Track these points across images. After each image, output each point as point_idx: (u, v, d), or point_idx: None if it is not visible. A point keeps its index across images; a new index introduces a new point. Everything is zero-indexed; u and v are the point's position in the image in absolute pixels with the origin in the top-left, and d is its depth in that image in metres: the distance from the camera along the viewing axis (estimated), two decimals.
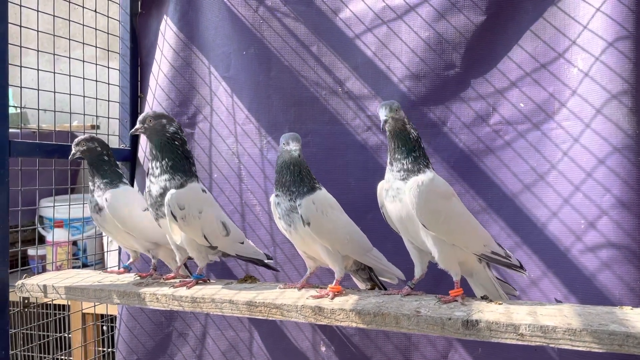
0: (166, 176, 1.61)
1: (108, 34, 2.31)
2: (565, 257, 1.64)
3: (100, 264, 2.93)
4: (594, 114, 1.63)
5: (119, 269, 1.99)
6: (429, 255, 1.51)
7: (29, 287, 1.83)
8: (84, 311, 2.52)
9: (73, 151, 1.80)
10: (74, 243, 3.01)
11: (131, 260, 1.97)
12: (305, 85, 2.03)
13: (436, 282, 1.66)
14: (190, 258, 1.80)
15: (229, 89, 2.15)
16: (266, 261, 1.79)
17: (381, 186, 1.52)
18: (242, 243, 1.77)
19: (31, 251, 2.92)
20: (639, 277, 1.53)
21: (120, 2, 2.34)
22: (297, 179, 1.49)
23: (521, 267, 1.54)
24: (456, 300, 1.40)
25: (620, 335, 1.16)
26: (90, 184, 1.84)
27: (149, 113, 1.64)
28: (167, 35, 2.25)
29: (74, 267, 2.78)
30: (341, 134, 1.99)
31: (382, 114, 1.43)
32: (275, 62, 2.06)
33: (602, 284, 1.56)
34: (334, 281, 1.53)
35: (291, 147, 1.47)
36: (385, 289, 1.61)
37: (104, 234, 1.94)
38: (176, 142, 1.65)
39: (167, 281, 1.75)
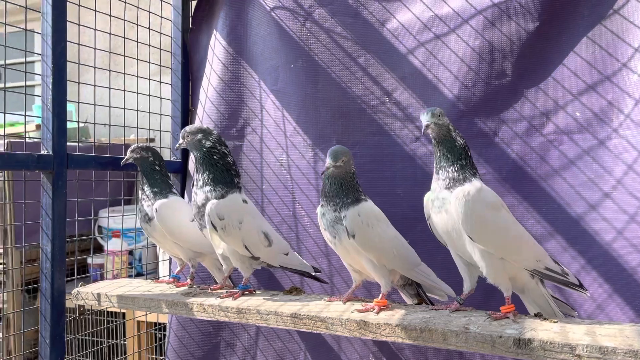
0: (208, 188, 1.63)
1: (161, 50, 2.38)
2: (630, 276, 1.55)
3: (153, 273, 3.01)
4: None
5: (169, 278, 2.03)
6: (478, 270, 1.45)
7: (84, 295, 1.89)
8: (138, 319, 2.59)
9: (127, 157, 1.85)
10: (130, 252, 3.11)
11: (179, 269, 2.01)
12: (352, 97, 2.03)
13: (487, 297, 1.60)
14: (236, 269, 1.82)
15: (277, 102, 2.17)
16: (314, 273, 1.78)
17: (427, 197, 1.48)
18: (287, 254, 1.76)
19: (90, 260, 3.04)
20: None
21: (172, 19, 2.42)
22: (339, 190, 1.48)
23: (581, 285, 1.43)
24: (507, 317, 1.35)
25: None
26: (140, 192, 1.88)
27: (187, 129, 1.67)
28: (216, 49, 2.30)
29: (129, 276, 2.87)
30: (389, 144, 1.96)
31: (424, 119, 1.41)
32: (323, 74, 2.06)
33: None
34: (380, 295, 1.50)
35: (326, 162, 1.47)
36: (433, 305, 1.57)
37: (153, 242, 1.99)
38: (214, 157, 1.66)
39: (214, 292, 1.77)
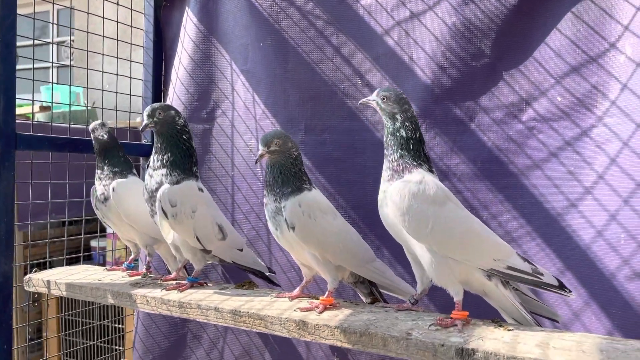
0: (164, 171, 1.53)
1: (131, 27, 2.27)
2: (609, 284, 1.39)
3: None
4: None
5: (124, 266, 1.93)
6: None
7: (35, 282, 1.81)
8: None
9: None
10: None
11: (132, 256, 1.92)
12: (323, 79, 1.89)
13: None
14: None
15: (247, 83, 2.04)
16: (267, 274, 1.67)
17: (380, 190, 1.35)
18: (241, 250, 1.65)
19: (94, 243, 2.99)
20: None
21: None
22: (278, 178, 1.35)
23: (561, 287, 1.27)
24: (455, 325, 1.20)
25: None
26: (97, 171, 1.79)
27: (156, 105, 1.56)
28: (187, 27, 2.19)
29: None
30: (360, 130, 1.83)
31: (373, 94, 1.31)
32: (293, 53, 1.93)
33: None
34: (326, 293, 1.37)
35: (259, 150, 1.37)
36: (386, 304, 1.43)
37: (105, 225, 1.90)
38: (184, 137, 1.57)
39: (164, 282, 1.67)
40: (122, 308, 2.65)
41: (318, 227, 1.32)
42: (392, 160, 1.25)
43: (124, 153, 1.82)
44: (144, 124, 1.59)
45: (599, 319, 1.41)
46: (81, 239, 2.14)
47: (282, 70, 1.94)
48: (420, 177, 1.23)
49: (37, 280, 1.80)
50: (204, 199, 1.59)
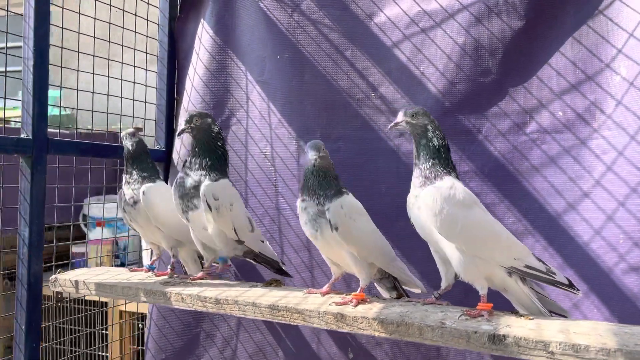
0: (203, 172, 1.65)
1: (147, 37, 2.35)
2: (606, 276, 1.56)
3: (137, 263, 2.98)
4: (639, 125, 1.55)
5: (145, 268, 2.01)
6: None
7: (62, 282, 1.87)
8: (119, 308, 2.57)
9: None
10: (116, 242, 3.08)
11: (154, 257, 2.00)
12: (337, 90, 2.02)
13: (466, 293, 1.61)
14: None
15: (262, 93, 2.15)
16: (282, 266, 1.80)
17: (409, 194, 1.49)
18: (263, 242, 1.79)
19: (75, 248, 3.01)
20: None
21: (160, 7, 2.39)
22: (322, 182, 1.48)
23: (571, 285, 1.41)
24: (482, 315, 1.35)
25: None
26: (126, 176, 1.87)
27: (194, 112, 1.68)
28: (203, 38, 2.29)
29: (115, 266, 2.85)
30: (373, 139, 1.96)
31: (398, 116, 1.44)
32: (309, 66, 2.05)
33: None
34: (359, 289, 1.50)
35: (309, 156, 1.48)
36: (410, 298, 1.57)
37: (134, 229, 1.98)
38: (219, 143, 1.70)
39: (193, 282, 1.76)
40: (106, 316, 2.68)
41: (357, 228, 1.45)
42: (423, 168, 1.39)
43: (151, 159, 1.91)
44: (181, 129, 1.69)
45: (599, 310, 1.58)
46: (68, 245, 2.14)
47: (299, 82, 2.06)
48: (450, 183, 1.37)
49: (64, 281, 1.86)
50: (237, 194, 1.75)
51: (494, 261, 1.38)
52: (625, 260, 1.53)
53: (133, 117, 2.32)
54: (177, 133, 1.72)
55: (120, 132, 1.95)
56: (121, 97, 2.24)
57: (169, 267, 1.90)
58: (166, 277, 1.85)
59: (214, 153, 1.67)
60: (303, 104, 2.06)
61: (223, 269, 1.78)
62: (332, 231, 1.45)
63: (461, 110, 1.85)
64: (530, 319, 1.34)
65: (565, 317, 1.46)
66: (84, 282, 1.82)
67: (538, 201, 1.73)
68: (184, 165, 1.70)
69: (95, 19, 2.09)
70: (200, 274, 1.81)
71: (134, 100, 2.31)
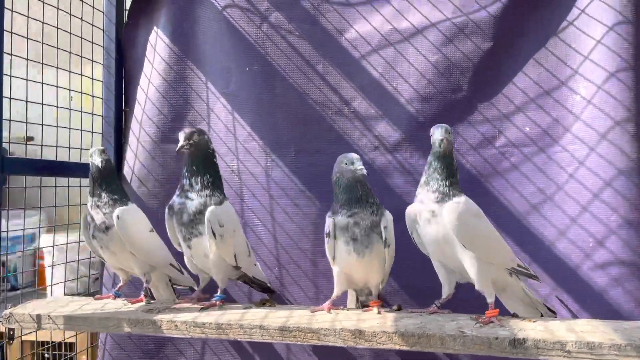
0: (207, 192, 1.58)
1: (93, 43, 2.18)
2: (575, 275, 1.72)
3: (30, 287, 2.67)
4: (598, 139, 1.73)
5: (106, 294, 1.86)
6: (457, 276, 1.54)
7: (18, 317, 1.66)
8: (23, 337, 2.28)
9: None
10: (3, 264, 2.76)
11: (121, 284, 1.86)
12: (310, 104, 2.02)
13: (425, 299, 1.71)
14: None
15: (228, 105, 2.09)
16: (268, 285, 1.80)
17: (411, 210, 1.54)
18: (256, 265, 1.74)
19: None
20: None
21: (104, 11, 2.22)
22: (369, 191, 1.54)
23: (533, 276, 1.60)
24: (492, 322, 1.43)
25: None
26: (93, 199, 1.72)
27: (194, 129, 1.62)
28: (158, 47, 2.17)
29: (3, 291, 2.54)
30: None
31: (439, 133, 1.48)
32: (280, 79, 2.03)
33: (613, 300, 1.66)
34: (374, 296, 1.61)
35: (357, 166, 1.51)
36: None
37: (100, 256, 1.82)
38: (214, 160, 1.64)
39: (181, 307, 1.66)
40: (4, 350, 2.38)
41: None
42: (442, 185, 1.47)
43: (119, 180, 1.78)
44: (180, 145, 1.60)
45: (570, 305, 1.74)
46: None
47: (270, 95, 2.03)
48: (464, 199, 1.48)
49: (22, 316, 1.66)
50: (238, 218, 1.68)
51: (501, 265, 1.49)
52: (591, 259, 1.71)
53: (82, 129, 2.13)
54: (176, 150, 1.62)
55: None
56: (56, 107, 2.04)
57: (142, 293, 1.78)
58: (142, 303, 1.73)
59: (213, 170, 1.61)
60: (275, 117, 2.03)
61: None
62: (385, 247, 1.52)
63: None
64: (534, 322, 1.44)
65: (554, 312, 1.60)
66: (48, 316, 1.64)
67: (509, 210, 1.86)
68: (182, 189, 1.61)
69: (29, 17, 1.89)
70: (195, 295, 1.72)
71: (82, 112, 2.12)
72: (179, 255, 1.77)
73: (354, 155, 1.55)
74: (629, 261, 1.66)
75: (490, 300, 1.47)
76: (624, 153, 1.69)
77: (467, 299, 1.55)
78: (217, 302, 1.65)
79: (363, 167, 1.52)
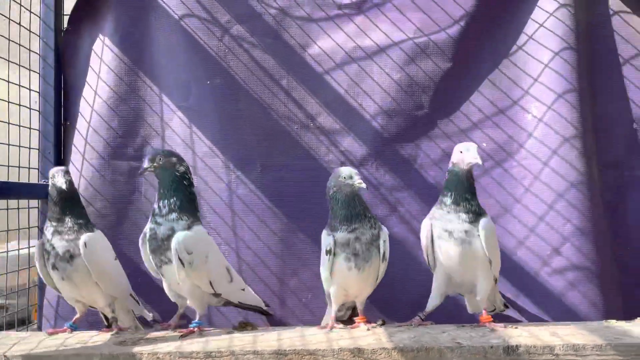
0: (174, 215, 1.50)
1: (30, 51, 1.98)
2: (535, 280, 1.85)
3: None
4: (550, 154, 1.88)
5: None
6: (452, 289, 1.65)
7: None
8: None
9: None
10: None
11: (78, 316, 1.71)
12: (276, 119, 1.99)
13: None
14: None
15: (187, 120, 2.00)
16: (265, 308, 1.72)
17: (431, 226, 1.59)
18: (244, 290, 1.67)
19: None
20: (599, 294, 1.79)
21: (41, 16, 2.04)
22: (366, 205, 1.56)
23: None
24: (484, 325, 1.53)
25: (637, 346, 1.36)
26: (53, 223, 1.55)
27: (159, 150, 1.52)
28: (105, 56, 2.03)
29: None
30: (315, 169, 1.98)
31: (474, 152, 1.54)
32: (244, 94, 1.99)
33: (570, 303, 1.80)
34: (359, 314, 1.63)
35: (355, 180, 1.51)
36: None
37: (55, 289, 1.65)
38: (184, 182, 1.55)
39: (155, 336, 1.55)
40: None
41: None
42: (474, 205, 1.56)
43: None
44: (143, 167, 1.51)
45: (530, 309, 1.86)
46: None
47: (234, 109, 1.98)
48: (489, 217, 1.61)
49: None
50: (213, 243, 1.58)
51: (497, 274, 1.63)
52: (549, 265, 1.85)
53: (8, 144, 1.92)
54: (139, 172, 1.52)
55: None
56: None
57: (114, 325, 1.64)
58: (110, 335, 1.60)
59: (181, 192, 1.53)
60: (239, 132, 1.98)
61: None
62: (382, 262, 1.55)
63: (399, 141, 1.99)
64: (516, 328, 1.53)
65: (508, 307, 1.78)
66: (4, 356, 1.45)
67: None
68: (153, 214, 1.52)
69: None
70: (172, 322, 1.62)
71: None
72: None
73: (352, 169, 1.56)
74: (582, 266, 1.81)
75: (486, 306, 1.57)
76: (574, 167, 1.85)
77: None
78: (195, 329, 1.56)
79: (361, 180, 1.53)
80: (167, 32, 2.00)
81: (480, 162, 1.53)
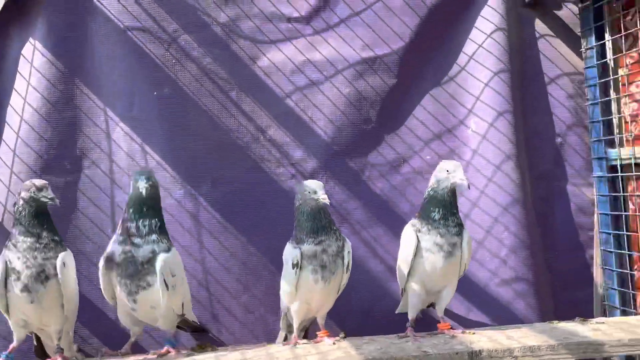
0: (154, 237, 1.43)
1: None
2: (484, 292, 1.96)
3: None
4: (493, 169, 2.00)
5: None
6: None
7: None
8: None
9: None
10: None
11: (15, 344, 1.56)
12: (226, 131, 1.95)
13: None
14: None
15: (132, 132, 1.90)
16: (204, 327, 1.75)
17: (426, 240, 1.62)
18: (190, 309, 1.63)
19: None
20: (536, 299, 1.93)
21: None
22: (331, 219, 1.56)
23: None
24: (443, 333, 1.62)
25: (584, 344, 1.49)
26: (25, 238, 1.41)
27: (150, 169, 1.54)
28: (36, 62, 1.89)
29: None
30: (266, 182, 1.96)
31: (462, 173, 1.62)
32: (192, 105, 1.93)
33: (518, 311, 1.93)
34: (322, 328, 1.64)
35: (319, 195, 1.52)
36: None
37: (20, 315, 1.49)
38: (159, 201, 1.51)
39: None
40: None
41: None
42: (458, 218, 1.65)
43: None
44: (148, 184, 1.45)
45: (479, 317, 1.96)
46: None
47: (183, 121, 1.91)
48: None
49: None
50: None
51: None
52: (497, 276, 1.96)
53: None
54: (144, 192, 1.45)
55: None
56: None
57: (58, 356, 1.51)
58: None
59: (160, 213, 1.48)
60: (189, 145, 1.91)
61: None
62: (346, 272, 1.57)
63: (347, 154, 2.02)
64: (473, 334, 1.61)
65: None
66: None
67: None
68: (128, 235, 1.42)
69: None
70: (124, 349, 1.54)
71: None
72: None
73: (317, 183, 1.57)
74: (526, 278, 1.94)
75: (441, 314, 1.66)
76: (514, 181, 1.98)
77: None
78: (173, 350, 1.51)
79: (326, 196, 1.53)
80: (109, 39, 1.90)
81: (467, 184, 1.61)
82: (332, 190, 2.00)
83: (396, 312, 1.81)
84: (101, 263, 1.46)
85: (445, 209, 1.61)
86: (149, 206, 1.44)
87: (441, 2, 2.05)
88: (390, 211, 2.04)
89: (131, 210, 1.43)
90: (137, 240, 1.41)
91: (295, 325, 1.61)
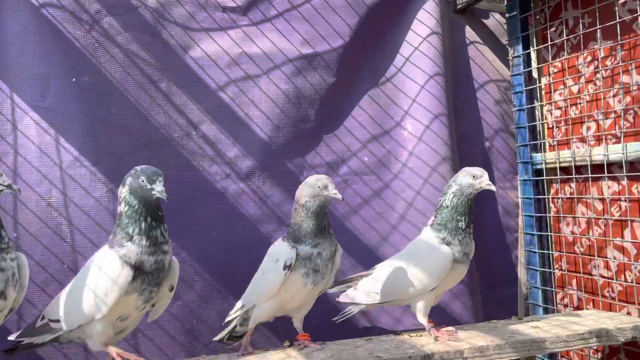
0: (167, 245, 1.36)
1: None
2: None
3: None
4: (430, 170, 2.01)
5: None
6: None
7: None
8: None
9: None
10: None
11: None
12: (154, 126, 1.79)
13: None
14: None
15: (44, 122, 1.69)
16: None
17: (451, 256, 1.54)
18: None
19: None
20: (470, 298, 1.96)
21: None
22: (329, 220, 1.49)
23: None
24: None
25: (528, 342, 1.52)
26: None
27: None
28: None
29: None
30: (199, 181, 1.83)
31: (487, 178, 1.55)
32: (118, 96, 1.75)
33: (454, 312, 1.94)
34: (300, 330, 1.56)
35: (331, 190, 1.42)
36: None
37: None
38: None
39: None
40: None
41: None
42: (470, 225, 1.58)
43: None
44: (161, 188, 1.31)
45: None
46: None
47: (106, 113, 1.73)
48: None
49: None
50: None
51: None
52: None
53: None
54: (167, 197, 1.28)
55: None
56: None
57: None
58: None
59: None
60: (112, 140, 1.72)
61: None
62: (331, 272, 1.51)
63: (286, 154, 1.94)
64: (420, 336, 1.59)
65: None
66: None
67: (354, 234, 1.99)
68: (155, 243, 1.30)
69: None
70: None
71: None
72: None
73: (328, 178, 1.45)
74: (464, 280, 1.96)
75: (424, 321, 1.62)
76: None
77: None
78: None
79: (337, 191, 1.43)
80: (20, 17, 1.67)
81: (494, 188, 1.55)
82: (270, 191, 1.91)
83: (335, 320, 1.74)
84: (126, 279, 1.28)
85: (469, 217, 1.56)
86: (160, 209, 1.34)
87: (380, 2, 2.03)
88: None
89: (149, 219, 1.30)
90: (165, 247, 1.33)
91: (251, 325, 1.50)
